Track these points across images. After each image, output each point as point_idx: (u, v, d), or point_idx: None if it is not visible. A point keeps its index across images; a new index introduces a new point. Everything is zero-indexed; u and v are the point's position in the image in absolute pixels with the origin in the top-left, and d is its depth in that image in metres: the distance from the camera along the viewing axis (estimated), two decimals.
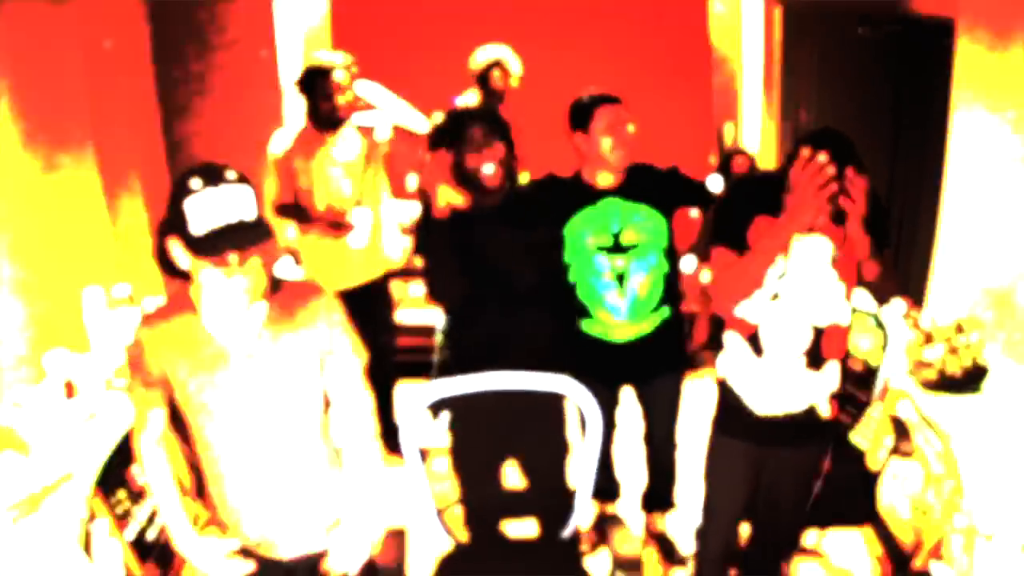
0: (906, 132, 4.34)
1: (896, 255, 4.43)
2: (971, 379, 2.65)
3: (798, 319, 2.31)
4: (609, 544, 2.99)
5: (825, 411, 2.41)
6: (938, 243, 3.69)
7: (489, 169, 2.63)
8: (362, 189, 3.62)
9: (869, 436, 2.89)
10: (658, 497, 3.26)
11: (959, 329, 2.69)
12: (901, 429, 2.76)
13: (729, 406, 2.45)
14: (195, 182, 1.74)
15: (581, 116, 2.83)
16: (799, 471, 2.54)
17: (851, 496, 2.89)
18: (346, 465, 2.07)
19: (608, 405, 2.99)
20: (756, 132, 4.82)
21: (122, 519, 2.47)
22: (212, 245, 1.73)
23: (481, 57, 4.46)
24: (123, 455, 2.55)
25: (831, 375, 2.37)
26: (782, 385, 2.35)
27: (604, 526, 3.44)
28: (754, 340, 2.35)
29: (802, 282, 2.29)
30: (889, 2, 4.35)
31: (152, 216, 3.83)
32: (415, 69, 5.02)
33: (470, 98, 4.43)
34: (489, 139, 2.64)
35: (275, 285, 1.94)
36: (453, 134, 2.68)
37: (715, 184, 3.39)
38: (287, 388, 1.95)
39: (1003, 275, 3.28)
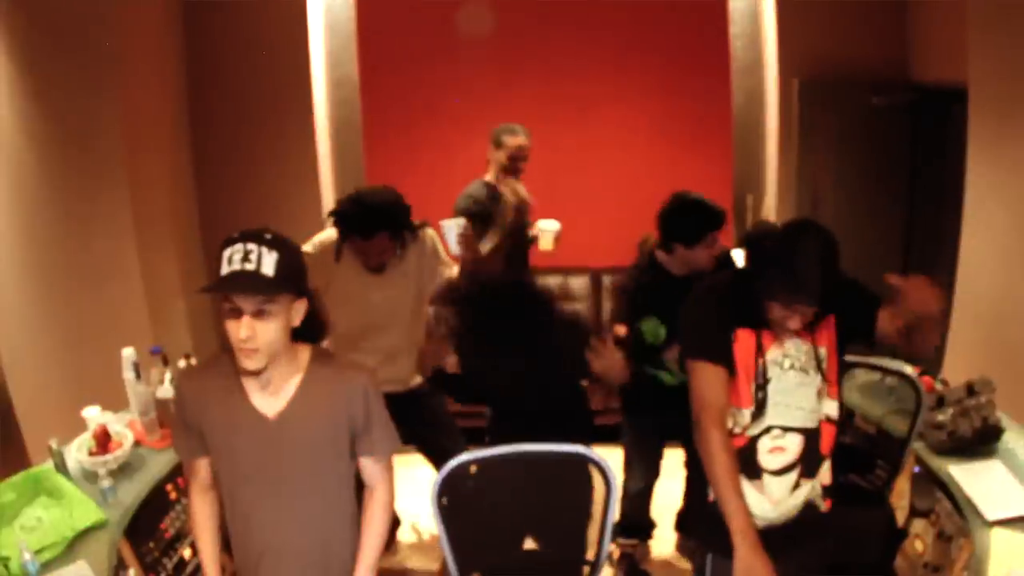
0: (922, 197, 4.41)
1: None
2: (982, 440, 2.62)
3: (791, 430, 2.19)
4: None
5: (822, 506, 2.31)
6: (953, 306, 3.72)
7: None
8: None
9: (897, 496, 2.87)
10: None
11: (970, 390, 2.68)
12: (915, 489, 2.76)
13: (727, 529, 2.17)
14: (235, 235, 1.82)
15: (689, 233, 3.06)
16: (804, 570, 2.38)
17: (869, 550, 2.85)
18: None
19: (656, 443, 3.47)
20: (774, 203, 4.88)
21: (151, 569, 2.52)
22: (222, 285, 1.79)
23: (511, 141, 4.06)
24: (154, 506, 2.61)
25: (824, 471, 2.29)
26: (781, 494, 2.23)
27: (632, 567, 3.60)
28: (746, 463, 2.19)
29: (785, 390, 2.17)
30: (902, 71, 4.46)
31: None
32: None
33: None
34: None
35: (319, 357, 2.01)
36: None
37: (739, 259, 3.39)
38: (313, 458, 2.00)
39: (1017, 337, 3.29)
